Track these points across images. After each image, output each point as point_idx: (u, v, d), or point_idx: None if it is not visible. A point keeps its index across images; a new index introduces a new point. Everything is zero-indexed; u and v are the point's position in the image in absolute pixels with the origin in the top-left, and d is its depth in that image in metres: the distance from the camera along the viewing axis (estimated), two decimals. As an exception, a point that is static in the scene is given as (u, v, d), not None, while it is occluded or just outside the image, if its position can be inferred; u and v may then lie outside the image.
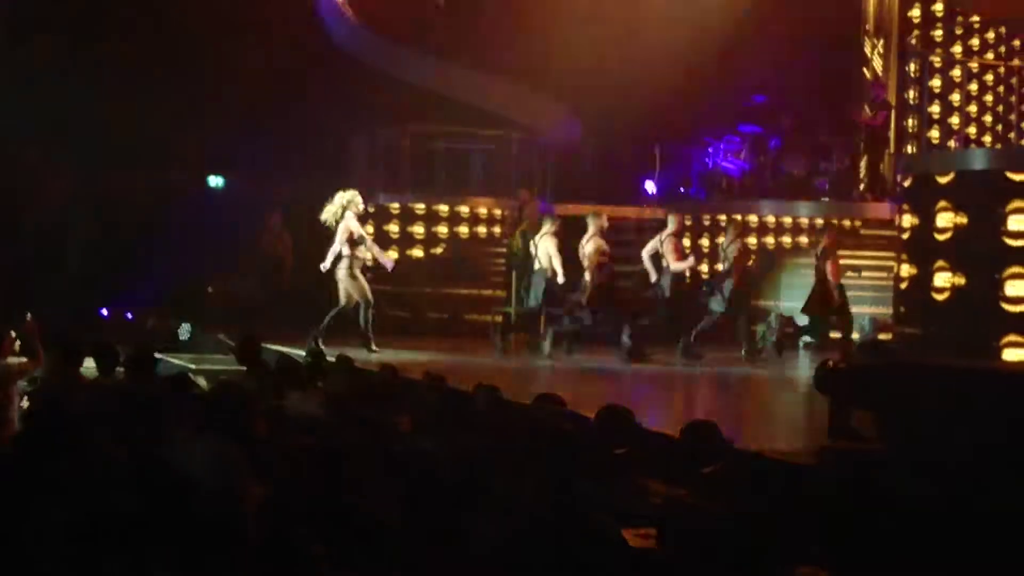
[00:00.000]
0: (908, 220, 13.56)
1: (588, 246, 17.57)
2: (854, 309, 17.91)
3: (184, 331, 20.48)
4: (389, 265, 18.36)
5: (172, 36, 23.70)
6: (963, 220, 12.65)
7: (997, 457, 4.64)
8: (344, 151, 23.73)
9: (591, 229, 17.63)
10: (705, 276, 20.43)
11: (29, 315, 11.48)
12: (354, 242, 17.36)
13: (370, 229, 20.21)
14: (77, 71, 22.85)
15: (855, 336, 17.59)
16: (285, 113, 23.63)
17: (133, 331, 19.56)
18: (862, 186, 22.23)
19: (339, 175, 23.09)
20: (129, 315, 20.31)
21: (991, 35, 19.28)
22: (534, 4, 23.27)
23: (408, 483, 6.01)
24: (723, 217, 22.17)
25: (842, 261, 17.79)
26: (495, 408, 9.41)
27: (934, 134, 14.69)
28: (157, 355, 11.84)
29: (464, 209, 22.62)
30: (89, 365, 10.67)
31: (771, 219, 22.18)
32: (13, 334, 11.12)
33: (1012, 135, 13.92)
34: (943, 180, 12.92)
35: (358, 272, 17.44)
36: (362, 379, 11.78)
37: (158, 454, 6.06)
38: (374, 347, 17.19)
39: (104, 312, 20.16)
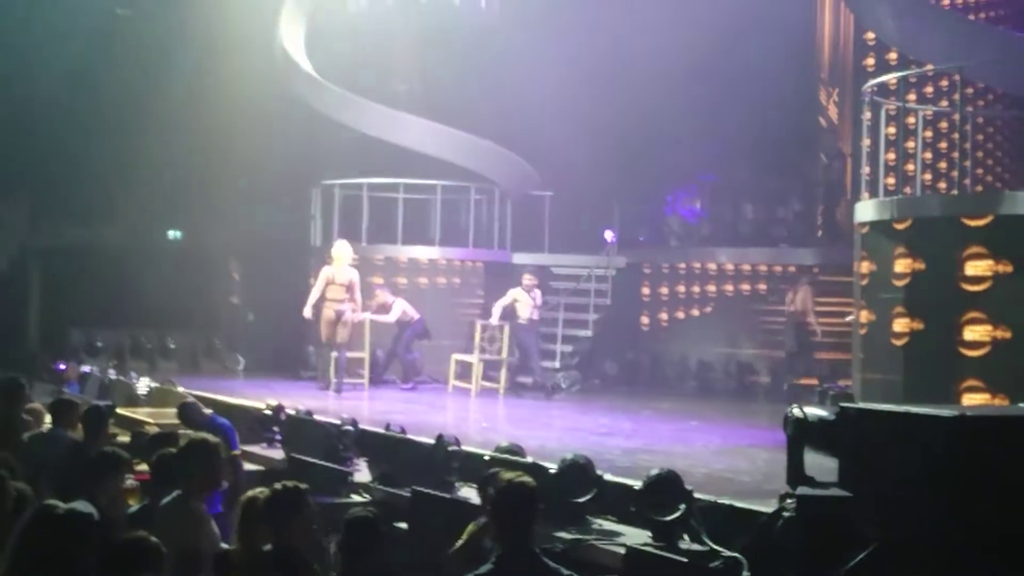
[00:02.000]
0: (866, 266, 13.61)
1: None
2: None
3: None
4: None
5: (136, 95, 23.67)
6: (921, 266, 12.70)
7: (955, 500, 4.65)
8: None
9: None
10: None
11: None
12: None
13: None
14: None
15: (815, 382, 17.69)
16: (244, 164, 23.64)
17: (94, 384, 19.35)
18: (819, 233, 22.33)
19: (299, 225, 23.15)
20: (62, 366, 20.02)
21: (944, 82, 19.49)
22: (497, 58, 23.34)
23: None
24: (682, 265, 22.33)
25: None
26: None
27: (890, 181, 14.75)
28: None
29: (423, 259, 22.58)
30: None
31: (729, 266, 22.26)
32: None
33: (967, 181, 14.01)
34: (900, 227, 12.98)
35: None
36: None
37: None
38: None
39: (61, 366, 19.92)
